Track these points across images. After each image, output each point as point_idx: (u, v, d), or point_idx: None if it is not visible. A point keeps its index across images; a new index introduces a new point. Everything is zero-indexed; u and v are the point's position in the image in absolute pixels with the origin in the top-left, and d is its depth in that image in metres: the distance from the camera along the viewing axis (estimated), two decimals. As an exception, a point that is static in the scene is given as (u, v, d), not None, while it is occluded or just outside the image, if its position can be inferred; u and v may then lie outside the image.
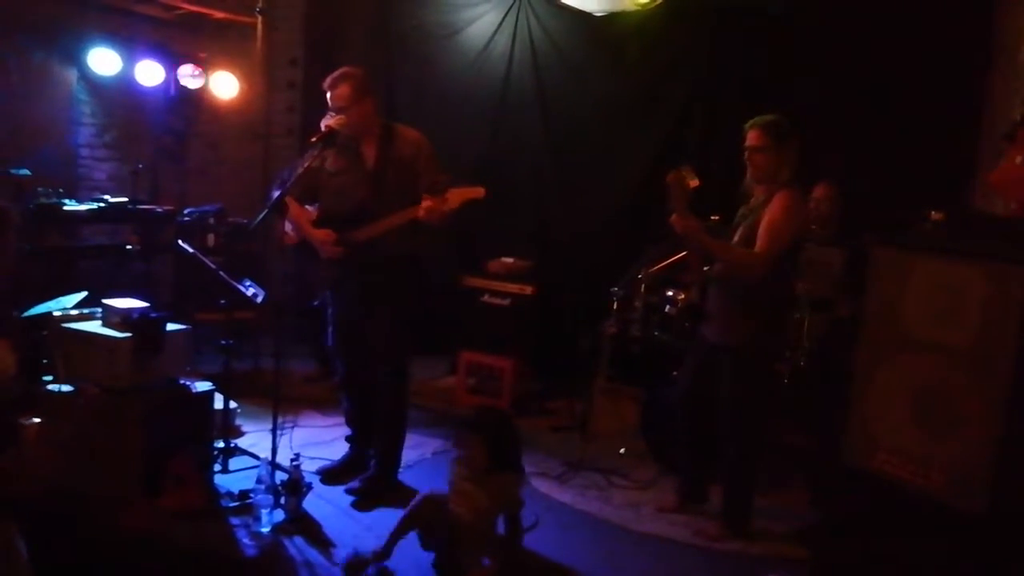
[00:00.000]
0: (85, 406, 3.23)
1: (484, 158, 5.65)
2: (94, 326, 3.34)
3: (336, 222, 3.48)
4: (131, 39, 5.41)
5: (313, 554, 3.06)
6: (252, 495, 3.24)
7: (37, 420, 3.28)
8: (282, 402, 3.56)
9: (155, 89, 5.56)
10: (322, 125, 3.50)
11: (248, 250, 5.25)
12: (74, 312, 3.44)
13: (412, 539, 2.97)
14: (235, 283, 3.66)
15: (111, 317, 3.34)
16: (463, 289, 5.10)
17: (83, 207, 4.75)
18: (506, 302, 4.98)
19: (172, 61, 5.60)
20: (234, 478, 3.61)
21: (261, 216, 3.34)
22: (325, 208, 3.57)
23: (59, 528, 2.89)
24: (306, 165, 3.39)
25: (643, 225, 4.97)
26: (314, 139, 3.40)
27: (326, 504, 3.45)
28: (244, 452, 3.82)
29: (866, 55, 4.64)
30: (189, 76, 5.66)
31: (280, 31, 6.21)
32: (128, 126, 5.73)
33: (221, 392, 3.75)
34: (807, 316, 3.86)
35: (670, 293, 4.30)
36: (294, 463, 3.32)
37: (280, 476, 3.38)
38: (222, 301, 3.75)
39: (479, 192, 3.36)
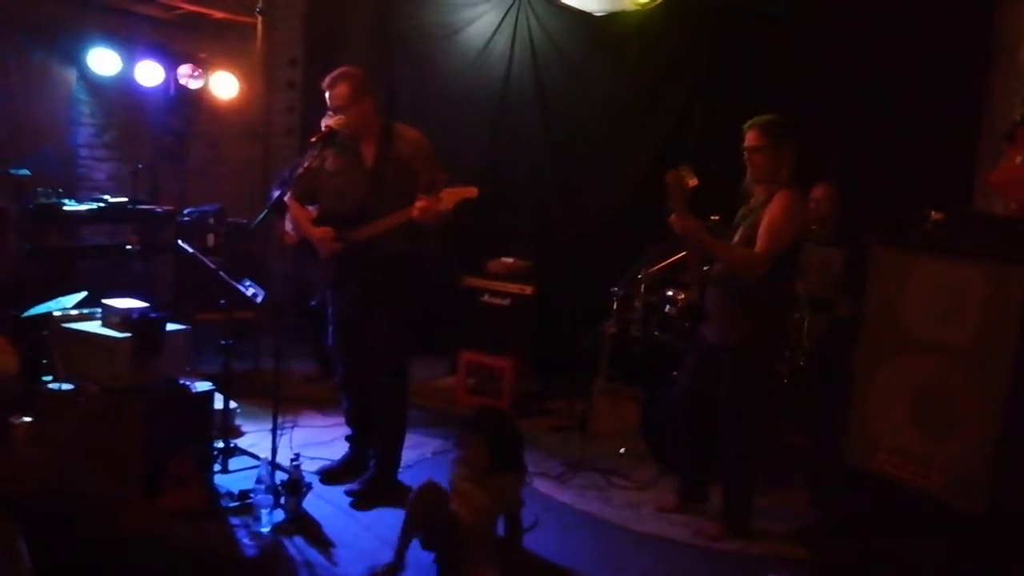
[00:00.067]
0: (85, 406, 3.22)
1: (484, 158, 5.66)
2: (94, 326, 3.33)
3: (336, 222, 3.48)
4: (131, 39, 5.41)
5: (313, 554, 3.06)
6: (252, 495, 3.24)
7: (27, 420, 3.27)
8: (282, 402, 3.57)
9: (155, 89, 5.56)
10: (322, 125, 3.50)
11: (248, 250, 5.25)
12: (74, 312, 3.44)
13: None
14: (235, 283, 3.65)
15: (111, 317, 3.34)
16: (463, 289, 5.10)
17: (83, 207, 4.75)
18: (506, 302, 4.98)
19: (172, 61, 5.60)
20: (234, 478, 3.61)
21: (261, 216, 3.35)
22: (325, 208, 3.57)
23: (59, 528, 2.88)
24: (306, 165, 3.40)
25: (643, 225, 4.96)
26: (314, 139, 3.40)
27: (326, 504, 3.45)
28: (244, 452, 3.82)
29: (866, 55, 4.64)
30: (189, 76, 5.65)
31: (280, 31, 6.21)
32: (128, 126, 5.73)
33: (221, 392, 3.75)
34: (807, 316, 3.86)
35: (670, 293, 4.30)
36: (294, 463, 3.32)
37: (280, 476, 3.39)
38: (222, 301, 3.74)
39: (472, 192, 3.35)
